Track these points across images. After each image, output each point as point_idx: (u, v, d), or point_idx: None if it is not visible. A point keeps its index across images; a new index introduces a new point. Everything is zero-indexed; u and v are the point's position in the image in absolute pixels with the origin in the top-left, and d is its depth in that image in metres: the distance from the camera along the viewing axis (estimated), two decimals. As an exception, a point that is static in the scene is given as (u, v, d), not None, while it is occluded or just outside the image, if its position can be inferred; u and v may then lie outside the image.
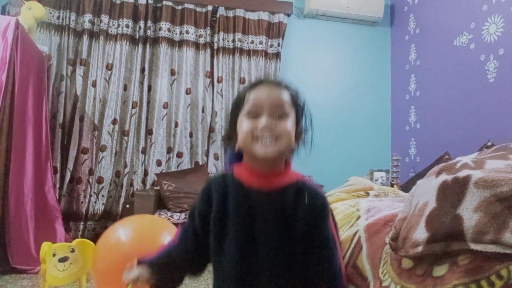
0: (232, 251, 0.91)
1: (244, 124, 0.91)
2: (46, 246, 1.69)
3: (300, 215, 0.90)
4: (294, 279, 0.91)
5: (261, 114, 0.90)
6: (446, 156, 3.03)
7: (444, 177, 0.85)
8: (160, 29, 3.84)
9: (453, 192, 0.81)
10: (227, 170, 1.00)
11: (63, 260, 1.76)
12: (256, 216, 0.91)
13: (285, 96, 0.93)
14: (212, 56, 3.99)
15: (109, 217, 3.62)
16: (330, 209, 0.98)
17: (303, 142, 0.99)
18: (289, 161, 0.98)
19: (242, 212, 0.92)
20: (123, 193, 3.63)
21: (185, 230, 1.02)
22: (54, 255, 1.73)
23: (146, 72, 3.78)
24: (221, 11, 3.99)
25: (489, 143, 2.63)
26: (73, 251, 1.80)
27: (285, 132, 0.89)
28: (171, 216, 3.07)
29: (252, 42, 4.05)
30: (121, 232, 1.66)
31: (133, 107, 3.72)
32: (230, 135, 0.99)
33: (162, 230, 1.77)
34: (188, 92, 3.88)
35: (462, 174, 0.81)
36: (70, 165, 3.51)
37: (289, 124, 0.91)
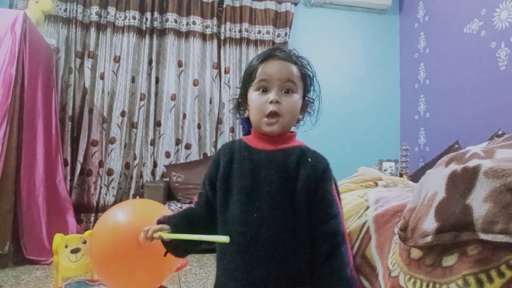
0: (235, 207, 0.94)
1: (255, 98, 0.97)
2: (58, 237, 1.71)
3: (303, 174, 0.93)
4: (296, 238, 0.92)
5: (270, 89, 0.96)
6: (456, 146, 3.00)
7: (453, 167, 0.85)
8: (166, 20, 3.83)
9: (462, 182, 0.80)
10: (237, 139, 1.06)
11: (75, 251, 1.78)
12: (259, 173, 0.95)
13: (295, 71, 0.98)
14: (219, 47, 3.98)
15: (119, 208, 3.65)
16: (333, 177, 0.99)
17: (308, 112, 1.05)
18: (294, 132, 1.03)
19: (245, 169, 0.96)
20: (133, 185, 3.66)
21: (200, 195, 1.06)
22: (66, 247, 1.75)
23: (154, 64, 3.79)
24: (228, 1, 3.96)
25: (500, 132, 2.59)
26: (85, 242, 1.82)
27: (290, 109, 0.96)
28: (181, 207, 3.10)
29: (259, 32, 4.02)
30: (119, 215, 1.60)
31: (141, 99, 3.73)
32: (241, 102, 1.05)
33: (159, 214, 1.73)
34: (195, 83, 3.88)
35: (471, 163, 0.81)
36: (80, 158, 3.55)
37: (295, 99, 0.97)
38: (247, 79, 1.01)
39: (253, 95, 0.98)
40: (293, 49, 1.04)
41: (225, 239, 0.84)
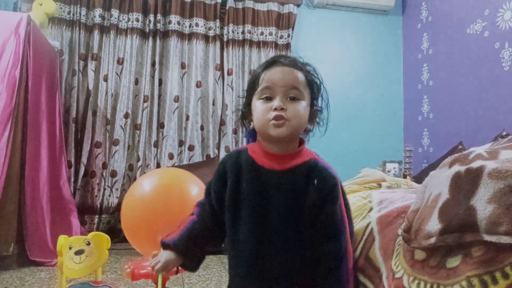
0: (246, 228, 0.94)
1: (258, 107, 0.94)
2: (62, 239, 1.72)
3: (311, 194, 0.91)
4: (306, 258, 0.92)
5: (274, 96, 0.92)
6: (460, 147, 2.99)
7: (457, 168, 0.84)
8: (169, 22, 3.84)
9: (466, 183, 0.80)
10: (241, 147, 1.03)
11: (79, 252, 1.78)
12: (268, 195, 0.93)
13: (300, 77, 0.94)
14: (221, 49, 3.98)
15: (123, 210, 3.66)
16: (342, 189, 0.98)
17: (317, 122, 1.02)
18: (303, 141, 1.00)
19: (254, 191, 0.94)
20: (136, 186, 3.67)
21: (202, 205, 1.06)
22: (70, 248, 1.76)
23: (157, 66, 3.80)
24: (230, 2, 3.97)
25: (504, 133, 2.58)
26: (88, 244, 1.83)
27: (296, 115, 0.91)
28: (184, 209, 3.10)
29: (262, 33, 4.03)
30: (146, 183, 1.71)
31: (144, 101, 3.74)
32: (246, 113, 1.02)
33: (187, 182, 1.82)
34: (198, 85, 3.89)
35: (475, 164, 0.81)
36: (84, 159, 3.56)
37: (302, 106, 0.93)
38: (251, 88, 0.98)
39: (257, 104, 0.95)
40: (298, 56, 1.01)
41: None
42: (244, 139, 1.10)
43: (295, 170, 0.94)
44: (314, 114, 1.00)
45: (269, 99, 0.93)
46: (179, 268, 1.03)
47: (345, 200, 1.01)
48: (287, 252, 0.92)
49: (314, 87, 0.99)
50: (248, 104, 1.00)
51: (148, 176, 1.82)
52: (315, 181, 0.92)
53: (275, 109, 0.90)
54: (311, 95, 0.97)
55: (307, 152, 0.98)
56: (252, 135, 1.01)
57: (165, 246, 1.01)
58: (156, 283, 0.98)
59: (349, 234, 0.97)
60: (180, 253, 1.00)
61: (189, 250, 1.01)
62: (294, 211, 0.92)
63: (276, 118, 0.90)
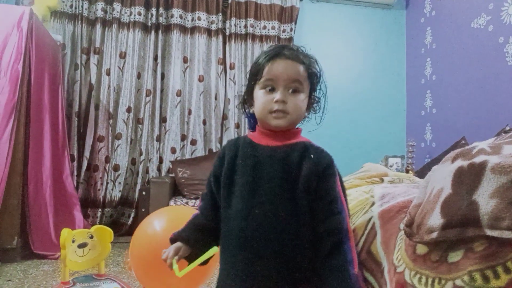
0: (237, 202, 0.95)
1: (260, 96, 0.97)
2: (65, 232, 1.73)
3: (305, 170, 0.92)
4: (298, 235, 0.91)
5: (276, 88, 0.96)
6: (463, 142, 2.98)
7: (460, 162, 0.84)
8: (172, 16, 3.83)
9: (469, 178, 0.80)
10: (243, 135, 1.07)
11: (82, 246, 1.80)
12: (262, 169, 0.95)
13: (301, 70, 0.97)
14: (224, 43, 3.97)
15: (126, 204, 3.68)
16: (338, 172, 0.99)
17: (314, 110, 1.05)
18: (299, 128, 1.03)
19: (248, 164, 0.97)
20: (139, 180, 3.68)
21: (204, 198, 1.08)
22: (73, 241, 1.77)
23: (159, 60, 3.79)
24: (233, -4, 3.95)
25: (507, 128, 2.57)
26: (91, 237, 1.84)
27: (296, 109, 0.96)
28: (186, 203, 3.11)
29: (265, 27, 4.01)
30: (156, 224, 1.71)
31: (147, 95, 3.74)
32: (247, 100, 1.05)
33: None
34: (201, 79, 3.88)
35: (478, 159, 0.80)
36: (86, 153, 3.57)
37: (302, 98, 0.97)
38: (254, 76, 1.00)
39: (259, 93, 0.98)
40: (301, 46, 1.03)
41: (213, 251, 0.96)
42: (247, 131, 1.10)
43: (290, 146, 0.97)
44: (311, 103, 1.04)
45: (271, 90, 0.96)
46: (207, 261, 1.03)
47: (342, 185, 1.00)
48: (279, 223, 0.91)
49: (314, 79, 1.01)
50: (249, 91, 1.03)
51: (158, 215, 1.82)
52: (312, 155, 0.94)
53: (276, 102, 0.94)
54: (310, 86, 1.01)
55: (303, 137, 1.02)
56: (253, 117, 1.04)
57: (171, 240, 1.03)
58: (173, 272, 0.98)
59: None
60: (185, 242, 1.01)
61: (194, 240, 1.01)
62: (288, 185, 0.92)
63: (277, 111, 0.94)
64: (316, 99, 1.05)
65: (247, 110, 1.07)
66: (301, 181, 0.92)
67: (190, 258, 1.01)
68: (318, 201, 0.92)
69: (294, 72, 0.96)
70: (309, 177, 0.92)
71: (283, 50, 0.99)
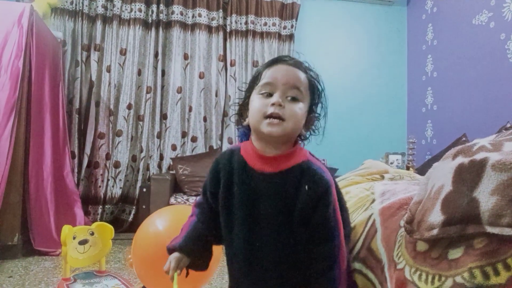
0: (238, 231, 0.95)
1: (256, 101, 0.92)
2: (66, 229, 1.73)
3: (302, 198, 0.90)
4: (298, 261, 0.93)
5: (274, 93, 0.90)
6: (464, 139, 2.98)
7: (460, 159, 0.84)
8: (172, 12, 3.82)
9: (469, 175, 0.80)
10: (235, 146, 1.02)
11: (83, 242, 1.80)
12: (258, 199, 0.93)
13: (302, 78, 0.92)
14: (225, 39, 3.96)
15: (126, 200, 3.69)
16: (339, 191, 0.98)
17: (313, 130, 0.99)
18: (297, 144, 0.97)
19: (245, 195, 0.94)
20: (140, 177, 3.69)
21: (201, 205, 1.07)
22: (74, 238, 1.78)
23: (160, 57, 3.79)
24: (234, -7, 3.94)
25: (508, 125, 2.57)
26: (92, 234, 1.85)
27: (293, 115, 0.89)
28: (187, 200, 3.12)
29: (265, 24, 4.00)
30: (158, 223, 1.71)
31: (147, 92, 3.74)
32: (242, 110, 1.00)
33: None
34: (201, 76, 3.88)
35: (479, 156, 0.80)
36: (87, 150, 3.57)
37: (300, 107, 0.91)
38: (252, 83, 0.96)
39: (255, 98, 0.92)
40: (304, 60, 0.97)
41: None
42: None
43: (286, 173, 0.91)
44: (311, 120, 0.97)
45: (268, 95, 0.90)
46: (189, 270, 1.05)
47: (341, 201, 1.00)
48: (279, 254, 0.93)
49: (315, 92, 0.96)
50: (246, 101, 0.98)
51: (161, 214, 1.81)
52: (306, 187, 0.89)
53: (273, 105, 0.88)
54: (311, 99, 0.95)
55: (300, 153, 0.94)
56: (245, 133, 0.99)
57: (171, 251, 1.03)
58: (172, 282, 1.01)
59: (345, 236, 0.96)
60: (187, 254, 1.02)
61: (195, 251, 1.03)
62: (285, 215, 0.92)
63: (272, 115, 0.88)
64: (317, 117, 0.98)
65: (241, 122, 1.01)
66: (298, 212, 0.91)
67: (189, 267, 1.04)
68: (311, 227, 0.91)
69: (294, 77, 0.91)
70: (305, 210, 0.90)
71: (285, 57, 0.95)
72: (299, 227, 0.91)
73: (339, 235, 0.93)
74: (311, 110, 0.96)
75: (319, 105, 0.98)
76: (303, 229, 0.91)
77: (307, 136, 0.98)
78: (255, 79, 0.95)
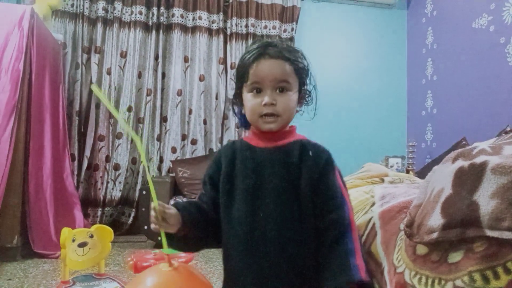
0: (240, 207, 0.94)
1: (249, 100, 0.96)
2: (65, 231, 1.73)
3: (305, 168, 0.92)
4: (303, 233, 0.91)
5: (263, 90, 0.94)
6: (463, 142, 2.98)
7: (460, 163, 0.84)
8: (173, 15, 3.83)
9: (469, 178, 0.80)
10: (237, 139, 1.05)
11: (82, 245, 1.80)
12: (262, 172, 0.94)
13: (288, 68, 0.95)
14: (225, 42, 3.97)
15: (126, 203, 3.68)
16: (337, 167, 0.98)
17: (306, 102, 1.04)
18: (293, 126, 1.02)
19: (248, 168, 0.96)
20: (139, 180, 3.68)
21: (201, 197, 1.03)
22: (73, 241, 1.77)
23: (160, 59, 3.79)
24: (234, -4, 3.95)
25: (508, 129, 2.57)
26: (92, 236, 1.84)
27: (286, 108, 0.94)
28: (187, 202, 3.11)
29: (266, 27, 4.01)
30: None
31: (147, 95, 3.74)
32: (236, 101, 1.04)
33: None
34: (201, 79, 3.88)
35: (479, 160, 0.80)
36: (87, 152, 3.57)
37: (291, 96, 0.95)
38: (240, 78, 0.99)
39: (247, 97, 0.96)
40: (284, 41, 1.03)
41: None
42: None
43: (288, 146, 0.96)
44: (301, 97, 1.02)
45: (259, 91, 0.95)
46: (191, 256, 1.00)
47: (342, 179, 0.99)
48: (283, 226, 0.91)
49: (302, 73, 0.99)
50: (238, 93, 1.02)
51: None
52: (310, 153, 0.94)
53: (265, 105, 0.92)
54: (299, 81, 0.98)
55: (298, 135, 1.01)
56: (244, 117, 1.02)
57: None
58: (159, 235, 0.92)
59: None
60: (183, 218, 0.91)
61: (188, 212, 0.93)
62: (290, 185, 0.92)
63: (266, 115, 0.93)
64: (307, 93, 1.03)
65: (237, 110, 1.06)
66: (303, 179, 0.92)
67: (178, 240, 0.95)
68: (320, 196, 0.91)
69: (280, 72, 0.93)
70: (310, 175, 0.92)
71: (267, 48, 0.95)
72: (307, 198, 0.91)
73: (347, 203, 0.93)
74: (300, 89, 1.00)
75: (308, 80, 1.02)
76: (310, 200, 0.91)
77: (299, 109, 1.03)
78: (243, 75, 0.96)
